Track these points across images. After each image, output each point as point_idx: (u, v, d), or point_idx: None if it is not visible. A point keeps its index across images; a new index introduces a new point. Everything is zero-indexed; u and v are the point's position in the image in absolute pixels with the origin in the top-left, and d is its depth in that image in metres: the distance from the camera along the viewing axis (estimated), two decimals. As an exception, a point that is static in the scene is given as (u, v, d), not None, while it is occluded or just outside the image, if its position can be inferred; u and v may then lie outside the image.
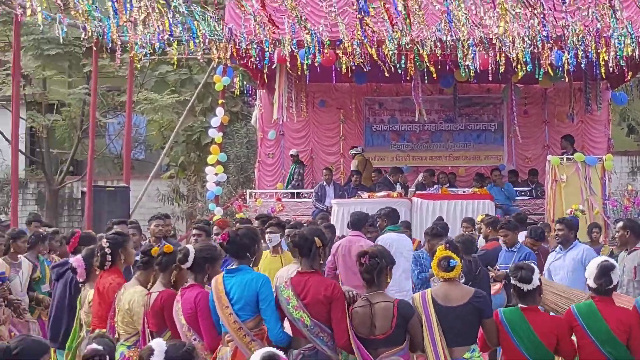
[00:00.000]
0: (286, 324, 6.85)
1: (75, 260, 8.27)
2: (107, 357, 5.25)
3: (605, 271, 6.69)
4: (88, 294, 7.98)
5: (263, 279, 6.90)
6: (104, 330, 7.36)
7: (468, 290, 6.93)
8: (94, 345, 5.25)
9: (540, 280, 6.88)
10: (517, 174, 20.87)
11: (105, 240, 7.91)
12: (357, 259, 6.80)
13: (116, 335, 7.26)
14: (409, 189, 18.92)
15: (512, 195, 18.66)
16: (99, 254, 7.81)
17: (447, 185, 19.58)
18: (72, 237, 9.77)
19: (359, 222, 11.53)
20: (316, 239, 6.88)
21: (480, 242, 13.49)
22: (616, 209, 17.26)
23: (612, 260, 6.86)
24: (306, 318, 6.60)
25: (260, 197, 19.62)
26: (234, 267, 7.02)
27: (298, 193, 19.99)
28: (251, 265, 7.06)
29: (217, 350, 6.86)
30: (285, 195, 19.77)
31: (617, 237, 10.59)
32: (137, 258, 7.81)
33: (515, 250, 11.52)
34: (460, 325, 6.71)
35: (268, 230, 10.29)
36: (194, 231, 11.56)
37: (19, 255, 10.52)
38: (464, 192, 18.51)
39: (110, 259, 7.73)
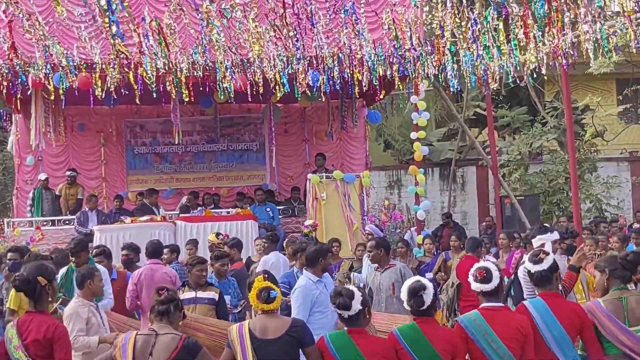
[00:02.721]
0: None
1: None
2: None
3: (413, 292, 6.62)
4: None
5: None
6: None
7: (286, 321, 6.88)
8: None
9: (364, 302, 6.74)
10: (274, 194, 21.19)
11: None
12: (156, 291, 6.69)
13: None
14: (173, 212, 18.81)
15: (276, 215, 18.84)
16: None
17: (212, 206, 19.55)
18: None
19: (158, 250, 11.97)
20: (39, 278, 6.59)
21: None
22: (374, 224, 17.77)
23: (424, 281, 6.72)
24: (24, 358, 6.42)
25: (18, 226, 18.79)
26: None
27: (59, 220, 19.26)
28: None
29: None
30: (45, 223, 19.01)
31: (371, 255, 10.79)
32: None
33: None
34: (279, 357, 6.65)
35: None
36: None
37: None
38: (227, 212, 18.50)
39: None
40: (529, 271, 7.29)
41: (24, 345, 6.45)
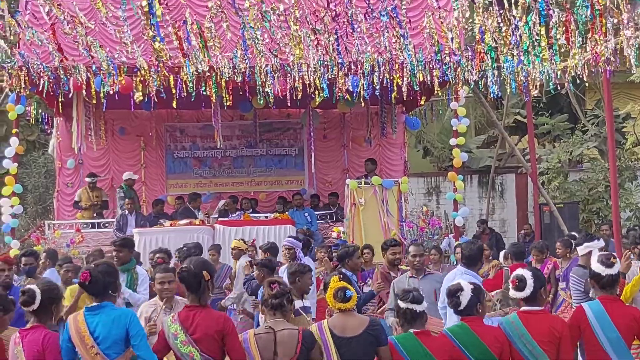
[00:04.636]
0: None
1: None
2: None
3: (450, 294, 6.93)
4: None
5: (131, 314, 6.78)
6: None
7: (364, 320, 7.02)
8: None
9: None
10: (319, 197, 21.14)
11: None
12: (267, 285, 6.89)
13: None
14: (211, 216, 18.80)
15: (314, 220, 18.85)
16: None
17: (250, 211, 19.59)
18: None
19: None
20: (204, 272, 6.76)
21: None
22: (412, 230, 17.70)
23: (463, 284, 6.97)
24: (195, 353, 6.53)
25: (59, 228, 18.93)
26: (94, 304, 6.77)
27: (99, 223, 19.39)
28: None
29: None
30: (85, 225, 19.14)
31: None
32: None
33: None
34: (358, 354, 6.79)
35: None
36: None
37: None
38: (266, 217, 18.53)
39: None
40: (599, 274, 7.32)
41: (194, 340, 6.54)
